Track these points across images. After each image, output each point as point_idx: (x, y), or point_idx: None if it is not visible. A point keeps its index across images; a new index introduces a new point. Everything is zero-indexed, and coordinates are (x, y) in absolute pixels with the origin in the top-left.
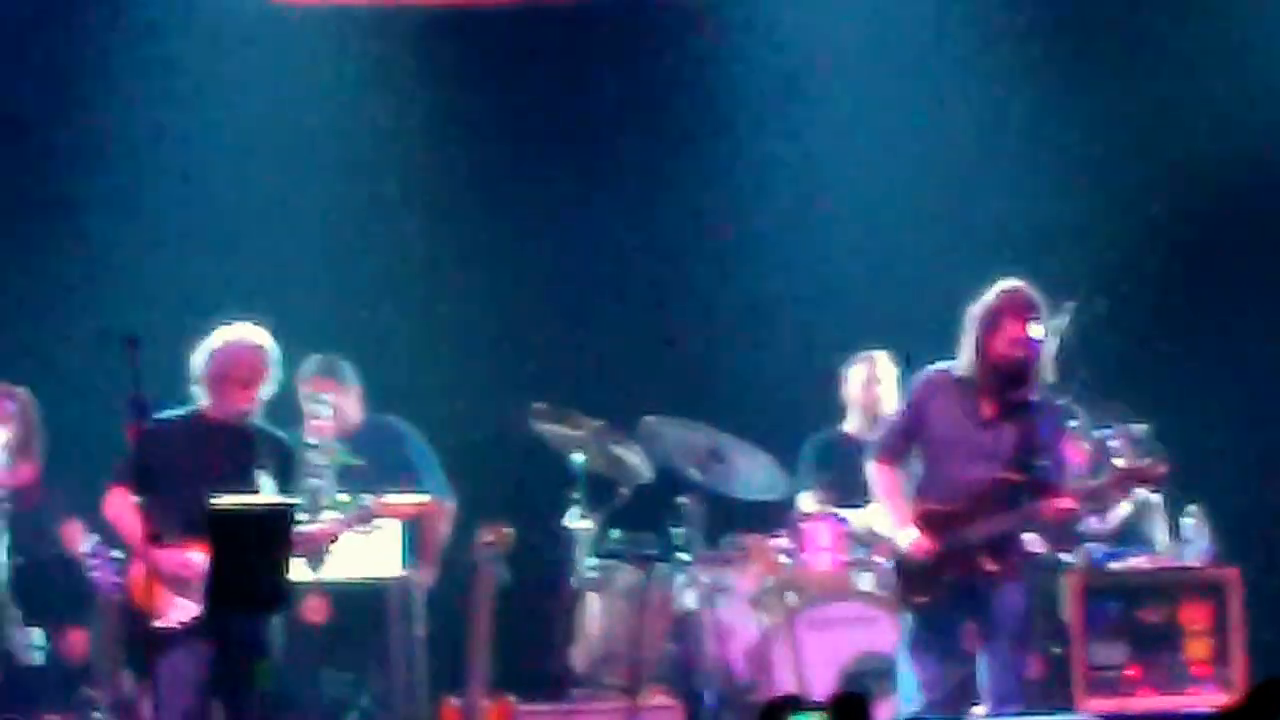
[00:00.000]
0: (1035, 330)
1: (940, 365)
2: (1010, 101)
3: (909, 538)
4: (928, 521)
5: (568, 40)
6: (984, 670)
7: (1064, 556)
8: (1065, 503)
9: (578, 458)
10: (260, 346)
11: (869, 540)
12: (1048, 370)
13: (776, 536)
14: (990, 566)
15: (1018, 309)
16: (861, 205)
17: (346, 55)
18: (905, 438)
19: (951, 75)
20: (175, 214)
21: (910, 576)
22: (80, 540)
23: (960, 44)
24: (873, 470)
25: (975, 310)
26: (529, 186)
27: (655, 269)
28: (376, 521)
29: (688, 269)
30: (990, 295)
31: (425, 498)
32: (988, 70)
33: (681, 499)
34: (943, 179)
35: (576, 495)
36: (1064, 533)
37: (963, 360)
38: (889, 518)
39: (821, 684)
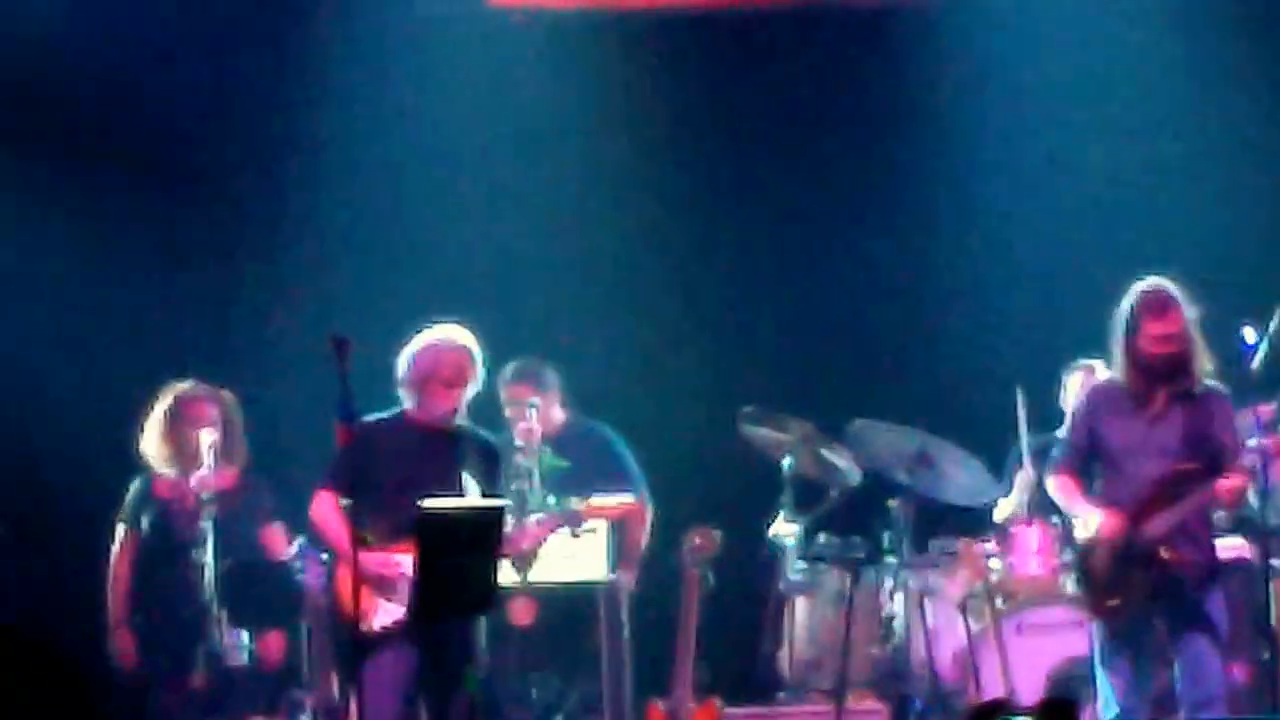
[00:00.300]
0: (1175, 323)
1: (1101, 377)
2: (1217, 103)
3: (1097, 519)
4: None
5: (785, 43)
6: (1179, 675)
7: (1275, 562)
8: (1235, 480)
9: (786, 461)
10: (465, 348)
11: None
12: (1203, 358)
13: (985, 541)
14: (1177, 564)
15: (1154, 306)
16: (1085, 207)
17: (558, 59)
18: (1083, 451)
19: (1160, 77)
20: (383, 216)
21: (1097, 581)
22: (281, 544)
23: (1169, 45)
24: (1055, 483)
25: (1118, 314)
26: (737, 191)
27: (865, 271)
28: (584, 525)
29: (898, 271)
30: (1128, 297)
31: (630, 499)
32: (1195, 70)
33: (890, 502)
34: (1162, 182)
35: (784, 499)
36: (1238, 512)
37: (1117, 365)
38: (1079, 511)
39: (1029, 689)
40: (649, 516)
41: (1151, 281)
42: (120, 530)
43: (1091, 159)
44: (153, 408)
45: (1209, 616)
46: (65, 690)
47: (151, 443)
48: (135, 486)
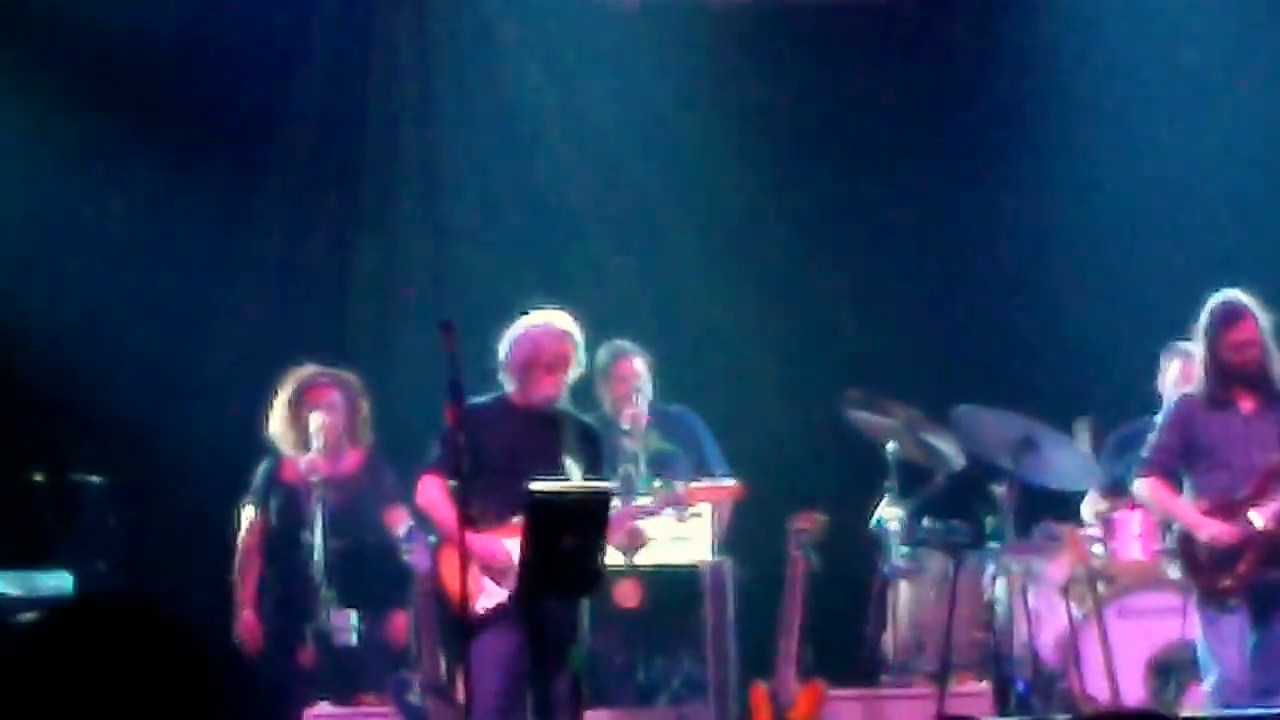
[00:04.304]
0: (1251, 330)
1: (1185, 389)
2: None
3: (1210, 530)
4: (1215, 512)
5: (886, 31)
6: (1253, 657)
7: None
8: None
9: (890, 445)
10: (566, 332)
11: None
12: (1277, 362)
13: (1088, 526)
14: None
15: (1230, 317)
16: (1189, 194)
17: (664, 48)
18: (1174, 453)
19: (1256, 71)
20: (491, 202)
21: (1206, 563)
22: (402, 526)
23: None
24: (1144, 486)
25: (1198, 328)
26: (840, 175)
27: (970, 256)
28: (691, 508)
29: (1003, 257)
30: (1205, 310)
31: (732, 482)
32: None
33: (993, 487)
34: (1263, 177)
35: (889, 483)
36: None
37: (1202, 375)
38: (1180, 519)
39: (1130, 674)
40: (736, 500)
41: (1226, 293)
42: (249, 512)
43: (1192, 144)
44: (278, 391)
45: None
46: (187, 667)
47: (276, 426)
48: (262, 468)
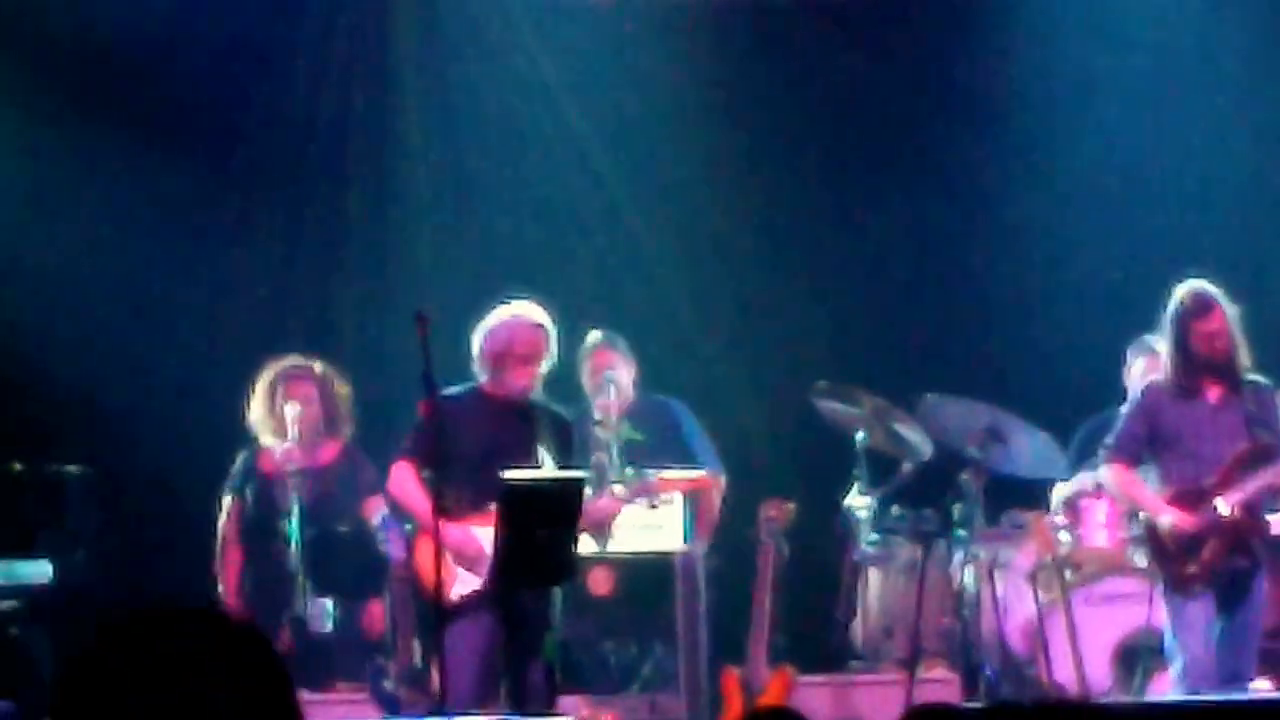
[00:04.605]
0: (1219, 321)
1: (1151, 379)
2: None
3: (1171, 517)
4: (1181, 500)
5: (857, 28)
6: (1218, 645)
7: None
8: None
9: (859, 435)
10: (539, 324)
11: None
12: (1245, 353)
13: (1055, 514)
14: (1250, 531)
15: (1200, 308)
16: (1153, 189)
17: (640, 41)
18: (1140, 441)
19: (1226, 66)
20: (465, 196)
21: (1172, 551)
22: (378, 515)
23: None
24: (1110, 472)
25: (1165, 318)
26: (812, 167)
27: (937, 248)
28: (661, 496)
29: (970, 248)
30: (1172, 301)
31: (702, 472)
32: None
33: (961, 476)
34: (1236, 168)
35: (857, 472)
36: None
37: (1169, 365)
38: (1143, 506)
39: (1097, 659)
40: (720, 488)
41: (1194, 284)
42: (227, 501)
43: (1162, 138)
44: (257, 383)
45: (1258, 595)
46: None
47: (255, 416)
48: (241, 458)
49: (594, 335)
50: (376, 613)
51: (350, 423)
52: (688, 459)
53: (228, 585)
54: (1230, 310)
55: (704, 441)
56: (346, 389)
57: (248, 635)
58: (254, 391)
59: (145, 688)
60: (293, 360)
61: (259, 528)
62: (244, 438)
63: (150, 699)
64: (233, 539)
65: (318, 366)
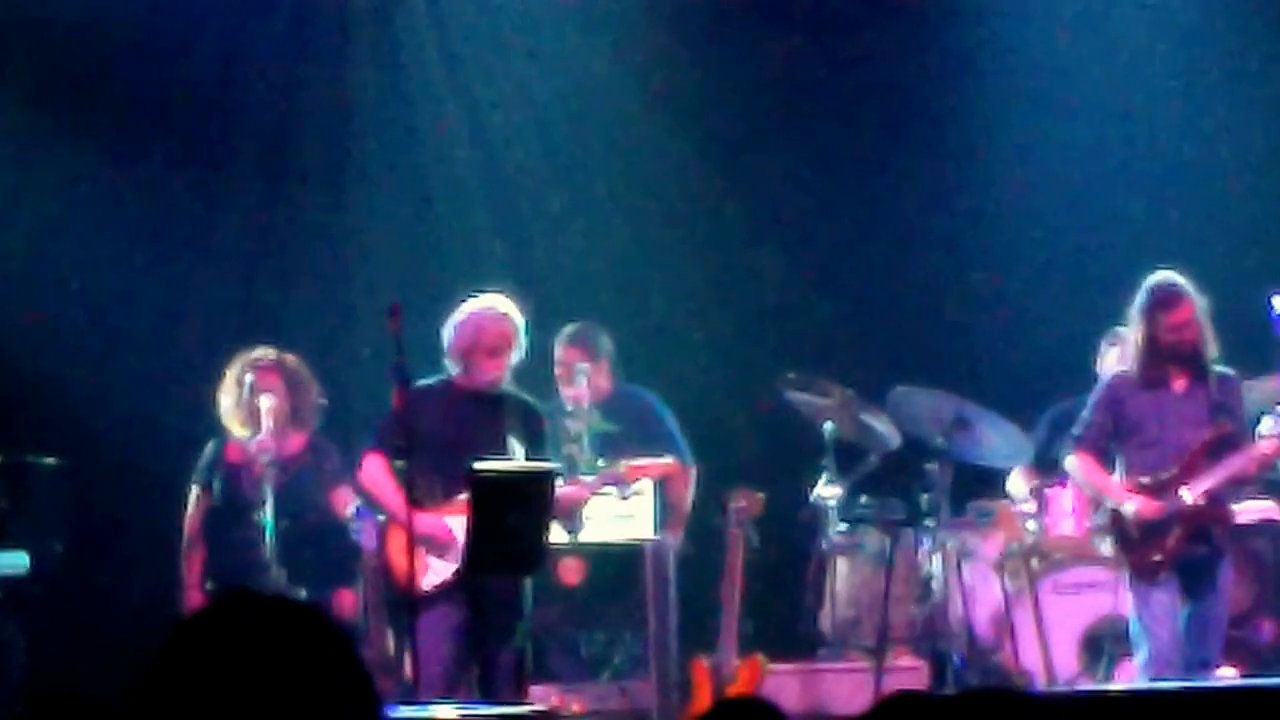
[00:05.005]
0: (1187, 312)
1: (1117, 369)
2: (1251, 78)
3: (1134, 505)
4: (1146, 489)
5: (827, 15)
6: (1184, 631)
7: None
8: (1268, 446)
9: (828, 425)
10: (506, 316)
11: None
12: (1212, 344)
13: (1019, 502)
14: (1214, 518)
15: (1169, 298)
16: (1123, 180)
17: (605, 32)
18: (1105, 430)
19: (1193, 51)
20: (437, 187)
21: (1136, 539)
22: (348, 505)
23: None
24: (1075, 461)
25: (1134, 309)
26: (784, 159)
27: (907, 240)
28: (632, 487)
29: (940, 240)
30: (1141, 292)
31: (670, 460)
32: (1227, 47)
33: (928, 466)
34: (1207, 159)
35: (826, 462)
36: (1270, 475)
37: (1135, 354)
38: (1106, 495)
39: (1063, 647)
40: (691, 478)
41: (1163, 275)
42: (193, 492)
43: (1132, 132)
44: (225, 374)
45: (1222, 583)
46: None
47: (224, 408)
48: (209, 449)
49: (570, 327)
50: (348, 601)
51: (316, 414)
52: (660, 450)
53: (191, 577)
54: (1199, 301)
55: (676, 432)
56: (313, 381)
57: (339, 633)
58: (222, 382)
59: (229, 678)
60: (260, 351)
61: (227, 518)
62: (217, 428)
63: (238, 690)
64: (197, 530)
65: (285, 358)
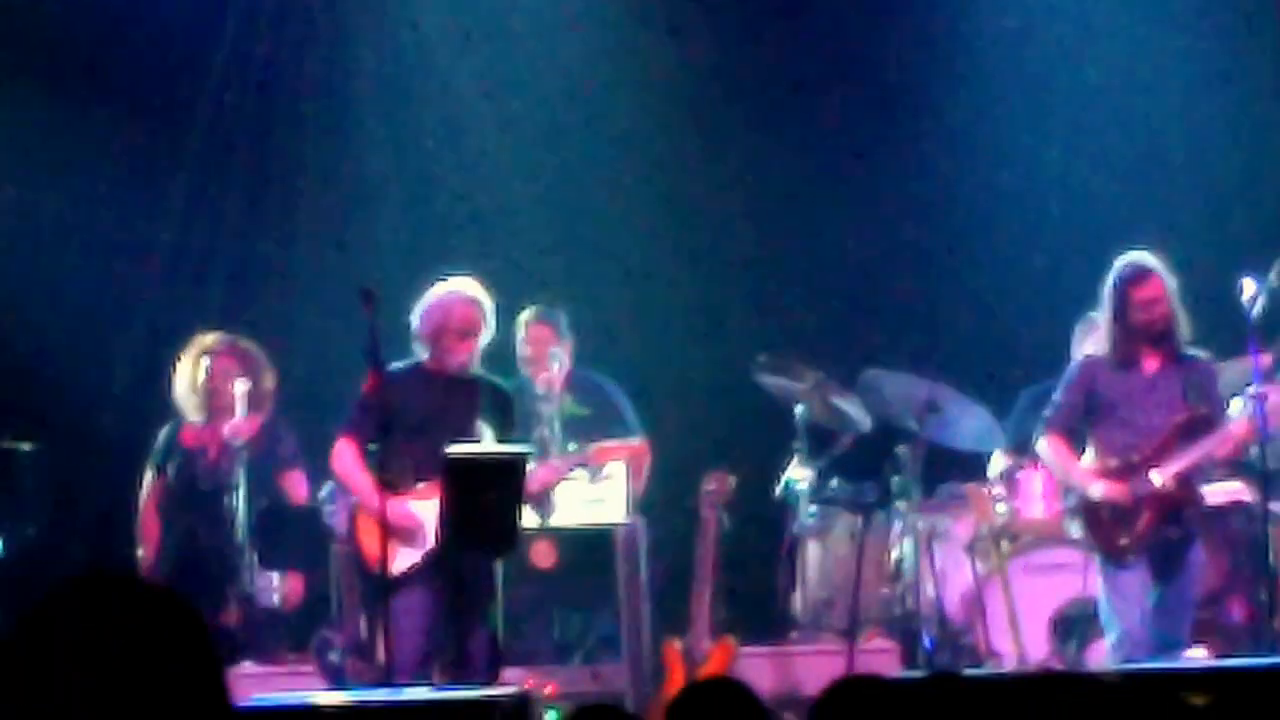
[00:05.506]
0: (1157, 289)
1: (1088, 352)
2: (1223, 59)
3: (1100, 488)
4: (1116, 471)
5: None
6: (1153, 611)
7: (1274, 507)
8: (1239, 428)
9: (799, 408)
10: (475, 299)
11: None
12: (1185, 325)
13: (993, 484)
14: (1185, 501)
15: (1137, 276)
16: (1096, 164)
17: (579, 13)
18: (1077, 411)
19: (1167, 36)
20: (400, 175)
21: (1105, 522)
22: (301, 490)
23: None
24: (1046, 444)
25: (1105, 288)
26: (753, 140)
27: (877, 224)
28: (603, 470)
29: (908, 224)
30: (1113, 271)
31: (637, 441)
32: (1200, 28)
33: (899, 448)
34: (1186, 136)
35: (797, 445)
36: (1239, 458)
37: (1107, 335)
38: (1073, 479)
39: (1034, 628)
40: (648, 461)
41: (1133, 255)
42: (148, 475)
43: (1105, 115)
44: (180, 357)
45: (1192, 564)
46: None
47: (180, 391)
48: (164, 433)
49: (530, 310)
50: (295, 584)
51: (272, 398)
52: (621, 433)
53: (146, 561)
54: (1170, 281)
55: (634, 418)
56: (267, 365)
57: (177, 607)
58: (178, 366)
59: (73, 661)
60: (215, 336)
61: (185, 504)
62: (171, 412)
63: (77, 672)
64: (153, 515)
65: (240, 342)
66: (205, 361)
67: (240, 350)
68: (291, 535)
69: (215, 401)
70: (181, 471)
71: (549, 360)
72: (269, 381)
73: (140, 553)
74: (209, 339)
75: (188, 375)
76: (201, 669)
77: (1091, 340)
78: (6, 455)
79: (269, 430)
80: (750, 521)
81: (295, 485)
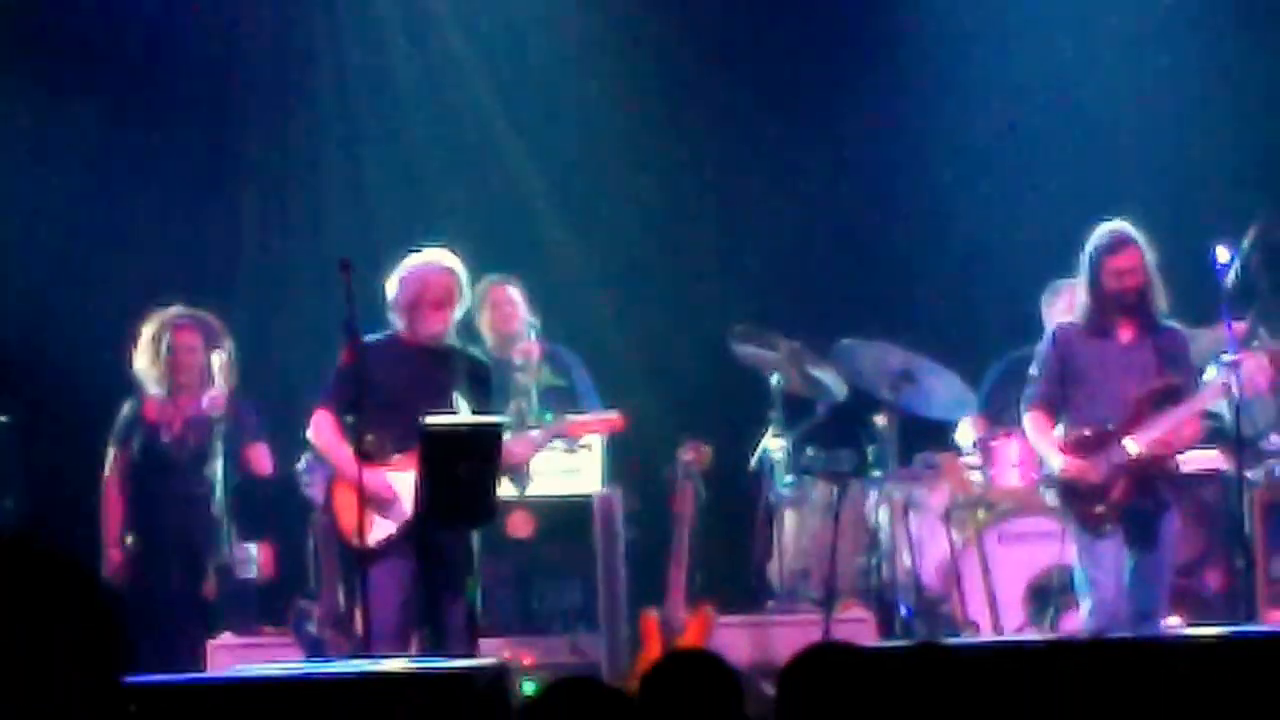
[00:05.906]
0: (1134, 258)
1: (1061, 320)
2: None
3: (1065, 464)
4: (1082, 446)
5: None
6: (1130, 581)
7: (1249, 475)
8: (1211, 395)
9: (774, 378)
10: (450, 270)
11: None
12: (1161, 296)
13: (966, 453)
14: (1161, 468)
15: (1114, 244)
16: (1070, 130)
17: None
18: (1056, 382)
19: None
20: (379, 141)
21: (1081, 491)
22: (265, 463)
23: None
24: (1029, 419)
25: (1081, 257)
26: (727, 110)
27: (851, 194)
28: (580, 441)
29: (883, 194)
30: (1090, 240)
31: (614, 415)
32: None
33: (875, 418)
34: (1144, 112)
35: (773, 414)
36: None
37: (1083, 303)
38: (1046, 458)
39: (1009, 597)
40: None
41: (1112, 224)
42: (111, 451)
43: (1077, 82)
44: (141, 332)
45: (1167, 533)
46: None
47: (141, 365)
48: (126, 408)
49: (490, 278)
50: (265, 555)
51: (233, 371)
52: (583, 405)
53: (110, 535)
54: (1148, 252)
55: (591, 386)
56: (229, 337)
57: (67, 567)
58: (139, 341)
59: None
60: (176, 309)
61: (150, 478)
62: (130, 387)
63: None
64: (117, 491)
65: (202, 315)
66: (166, 335)
67: (202, 321)
68: (260, 506)
69: (178, 375)
70: (146, 446)
71: (525, 330)
72: (229, 355)
73: (103, 529)
74: (170, 311)
75: (149, 349)
76: (88, 629)
77: (1060, 306)
78: None
79: (232, 404)
80: (726, 491)
81: (259, 458)
